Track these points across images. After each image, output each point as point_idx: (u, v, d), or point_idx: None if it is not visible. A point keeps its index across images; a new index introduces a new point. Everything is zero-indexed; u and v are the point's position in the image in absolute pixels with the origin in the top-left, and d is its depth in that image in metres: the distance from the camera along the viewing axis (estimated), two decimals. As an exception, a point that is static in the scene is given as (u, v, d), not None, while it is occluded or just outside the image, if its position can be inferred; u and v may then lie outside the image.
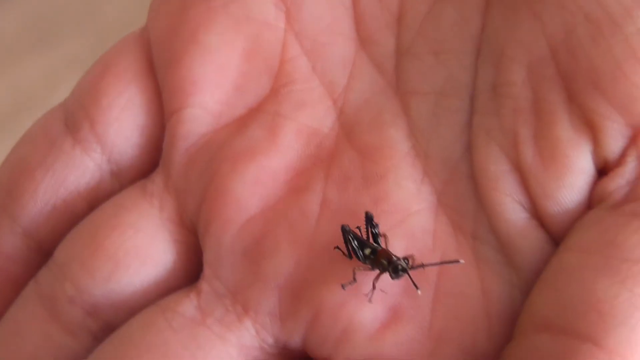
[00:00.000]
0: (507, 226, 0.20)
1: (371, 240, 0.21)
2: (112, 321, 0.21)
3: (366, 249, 0.21)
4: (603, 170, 0.20)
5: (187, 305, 0.21)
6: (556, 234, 0.20)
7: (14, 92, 0.42)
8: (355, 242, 0.21)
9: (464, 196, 0.21)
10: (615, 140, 0.19)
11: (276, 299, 0.21)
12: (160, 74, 0.23)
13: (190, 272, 0.22)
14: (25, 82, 0.43)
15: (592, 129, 0.20)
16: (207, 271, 0.21)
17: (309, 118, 0.22)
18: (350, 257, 0.21)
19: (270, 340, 0.21)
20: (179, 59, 0.22)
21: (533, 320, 0.19)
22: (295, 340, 0.21)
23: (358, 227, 0.21)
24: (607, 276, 0.18)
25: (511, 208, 0.20)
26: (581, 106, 0.19)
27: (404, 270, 0.20)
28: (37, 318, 0.22)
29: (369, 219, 0.21)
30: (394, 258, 0.20)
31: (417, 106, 0.22)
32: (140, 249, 0.22)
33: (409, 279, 0.20)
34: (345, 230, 0.21)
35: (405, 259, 0.20)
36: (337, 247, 0.21)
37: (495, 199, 0.20)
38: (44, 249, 0.23)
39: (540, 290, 0.19)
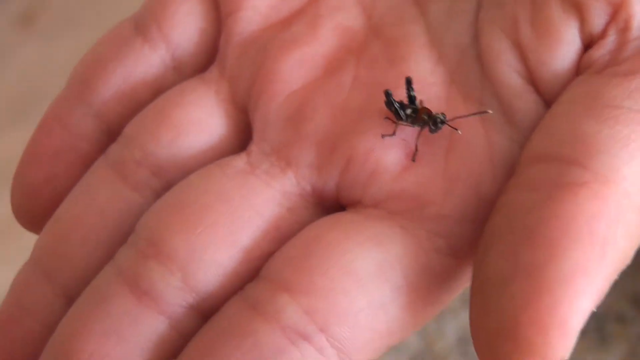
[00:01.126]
0: (508, 92, 0.24)
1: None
2: (174, 180, 0.25)
3: (408, 109, 0.25)
4: (589, 44, 0.24)
5: (239, 160, 0.25)
6: (549, 97, 0.24)
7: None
8: (397, 104, 0.25)
9: (472, 72, 0.25)
10: (598, 17, 0.23)
11: (314, 153, 0.25)
12: None
13: (241, 142, 0.26)
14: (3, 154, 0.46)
15: (578, 9, 0.23)
16: (255, 137, 0.26)
17: (343, 18, 0.27)
18: (398, 118, 0.25)
19: (308, 188, 0.25)
20: None
21: (529, 155, 0.22)
22: (330, 186, 0.25)
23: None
24: (591, 117, 0.22)
25: (511, 76, 0.24)
26: None
27: (443, 122, 0.24)
28: (106, 179, 0.26)
29: (409, 83, 0.25)
30: (434, 113, 0.24)
31: (434, 9, 0.26)
32: (199, 121, 0.26)
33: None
34: (388, 94, 0.25)
35: (442, 113, 0.24)
36: (387, 117, 0.25)
37: (498, 70, 0.24)
38: (112, 131, 0.27)
39: (534, 135, 0.23)
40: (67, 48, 0.63)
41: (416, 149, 0.24)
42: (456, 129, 0.24)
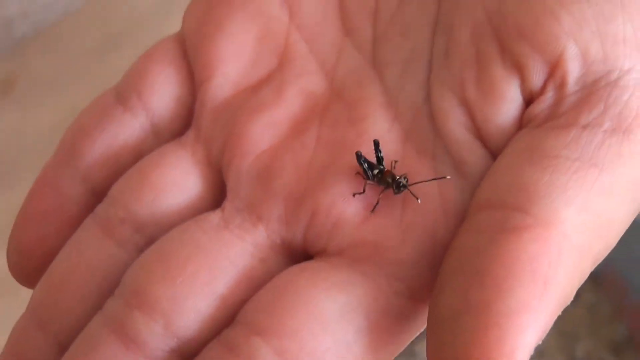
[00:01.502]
0: (458, 146, 0.26)
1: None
2: (156, 236, 0.28)
3: (375, 170, 0.27)
4: (530, 100, 0.26)
5: (214, 216, 0.27)
6: (495, 150, 0.26)
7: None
8: (366, 165, 0.27)
9: (425, 130, 0.27)
10: (537, 75, 0.26)
11: (282, 208, 0.27)
12: (192, 56, 0.30)
13: (216, 200, 0.28)
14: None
15: (519, 68, 0.26)
16: (229, 194, 0.28)
17: (307, 83, 0.29)
18: (366, 176, 0.27)
19: (278, 240, 0.27)
20: (207, 42, 0.30)
21: (477, 203, 0.25)
22: (297, 238, 0.27)
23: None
24: (532, 166, 0.24)
25: (460, 132, 0.26)
26: (510, 52, 0.26)
27: (405, 187, 0.26)
28: (94, 237, 0.28)
29: (376, 145, 0.27)
30: (397, 177, 0.27)
31: (389, 73, 0.29)
32: (177, 181, 0.28)
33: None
34: (358, 155, 0.27)
35: (404, 177, 0.27)
36: (358, 173, 0.27)
37: (448, 126, 0.27)
38: (98, 192, 0.29)
39: (482, 185, 0.25)
40: (46, 114, 0.66)
41: (377, 203, 0.27)
42: (417, 198, 0.26)
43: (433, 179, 0.26)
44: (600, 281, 0.78)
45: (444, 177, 0.26)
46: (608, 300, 0.78)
